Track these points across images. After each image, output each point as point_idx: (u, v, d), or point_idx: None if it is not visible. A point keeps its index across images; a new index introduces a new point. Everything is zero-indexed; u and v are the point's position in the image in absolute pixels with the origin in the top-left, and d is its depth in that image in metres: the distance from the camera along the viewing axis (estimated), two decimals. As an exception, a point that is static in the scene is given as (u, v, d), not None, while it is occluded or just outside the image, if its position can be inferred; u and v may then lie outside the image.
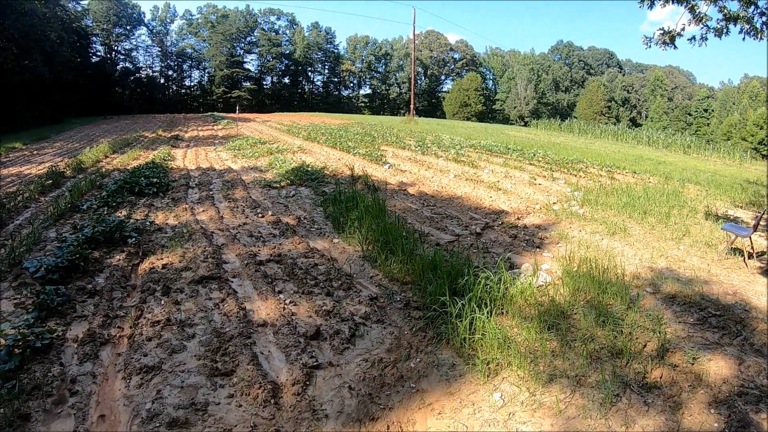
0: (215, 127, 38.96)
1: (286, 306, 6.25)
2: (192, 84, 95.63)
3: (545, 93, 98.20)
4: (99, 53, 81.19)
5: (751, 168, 31.70)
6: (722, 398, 4.71)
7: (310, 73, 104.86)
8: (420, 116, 74.26)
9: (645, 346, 5.57)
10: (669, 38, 11.42)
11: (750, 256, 8.47)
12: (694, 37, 11.70)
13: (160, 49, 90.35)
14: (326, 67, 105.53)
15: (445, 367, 5.13)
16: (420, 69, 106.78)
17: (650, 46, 11.85)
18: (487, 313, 5.84)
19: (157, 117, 55.38)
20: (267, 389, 4.49)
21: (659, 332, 5.73)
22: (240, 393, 4.48)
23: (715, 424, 4.38)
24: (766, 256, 8.85)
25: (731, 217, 11.60)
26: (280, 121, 43.17)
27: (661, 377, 5.03)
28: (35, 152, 24.80)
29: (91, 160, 20.01)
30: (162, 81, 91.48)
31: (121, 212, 10.65)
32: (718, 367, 5.21)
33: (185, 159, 21.23)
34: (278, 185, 14.43)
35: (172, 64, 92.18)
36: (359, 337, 5.65)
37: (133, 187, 12.81)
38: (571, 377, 5.04)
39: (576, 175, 16.71)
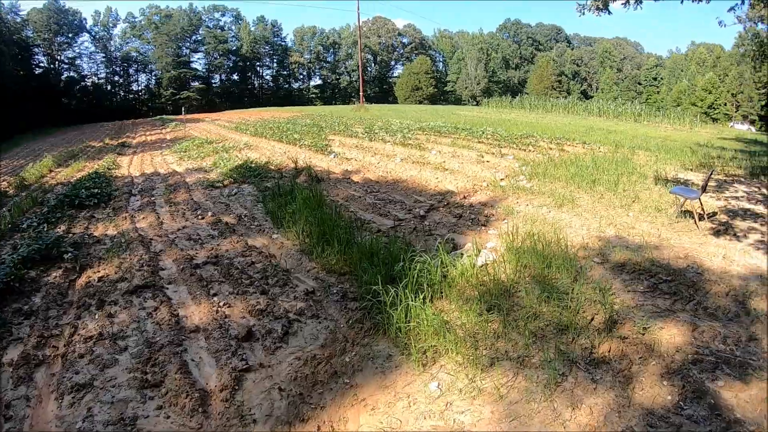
0: (163, 131, 38.05)
1: (219, 308, 6.08)
2: (139, 88, 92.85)
3: (496, 71, 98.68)
4: (42, 64, 78.66)
5: (701, 132, 32.31)
6: (676, 368, 4.49)
7: (258, 68, 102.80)
8: (372, 103, 73.91)
9: (592, 319, 5.31)
10: (602, 3, 11.18)
11: (701, 217, 8.35)
12: (627, 1, 11.48)
13: (104, 55, 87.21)
14: (275, 60, 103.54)
15: (381, 359, 4.94)
16: (369, 56, 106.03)
17: (584, 13, 11.58)
18: (423, 298, 5.55)
19: (106, 125, 53.79)
20: (195, 398, 4.35)
21: (607, 304, 5.48)
22: (168, 404, 4.32)
23: (669, 397, 4.15)
24: (717, 216, 8.75)
25: (681, 181, 11.55)
26: (230, 119, 42.32)
27: (609, 351, 4.77)
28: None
29: (35, 176, 19.37)
30: (108, 87, 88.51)
31: (60, 227, 10.28)
32: (670, 335, 4.98)
33: (131, 166, 20.73)
34: (221, 184, 14.15)
35: (117, 69, 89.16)
36: (293, 335, 5.47)
37: (74, 201, 12.43)
38: (514, 359, 4.76)
39: (525, 150, 16.55)
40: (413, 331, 5.14)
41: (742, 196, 10.24)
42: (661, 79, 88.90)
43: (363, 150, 18.38)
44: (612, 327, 5.14)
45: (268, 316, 5.82)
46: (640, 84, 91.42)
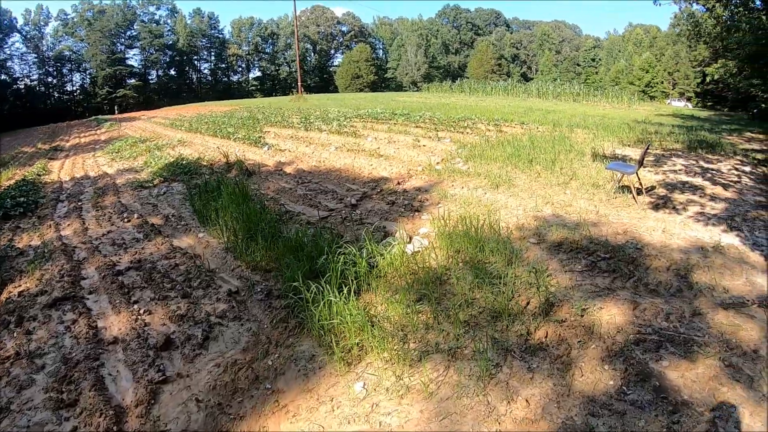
0: (98, 132, 36.47)
1: (139, 317, 5.82)
2: (74, 88, 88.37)
3: (436, 57, 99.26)
4: None
5: (639, 109, 33.08)
6: (617, 350, 4.25)
7: (196, 62, 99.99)
8: (312, 93, 73.51)
9: (528, 303, 5.03)
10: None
11: (639, 192, 8.24)
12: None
13: (36, 56, 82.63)
14: (212, 53, 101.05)
15: (304, 360, 4.68)
16: (308, 45, 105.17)
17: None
18: (348, 292, 5.20)
19: (40, 129, 51.26)
20: (109, 416, 4.16)
21: (542, 286, 5.20)
22: (83, 424, 4.10)
23: (611, 382, 3.90)
24: (656, 190, 8.66)
25: (619, 157, 11.51)
26: (166, 116, 41.04)
27: (546, 336, 4.49)
28: None
29: None
30: (42, 89, 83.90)
31: None
32: (610, 315, 4.74)
33: (61, 170, 19.73)
34: (151, 184, 13.66)
35: (50, 69, 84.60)
36: (213, 340, 5.22)
37: None
38: (445, 351, 4.44)
39: (462, 132, 16.36)
40: (337, 329, 4.81)
41: (680, 170, 10.25)
42: (600, 60, 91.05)
43: (298, 140, 17.89)
44: (549, 310, 4.87)
45: (188, 322, 5.57)
46: (578, 65, 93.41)
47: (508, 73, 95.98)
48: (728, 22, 20.55)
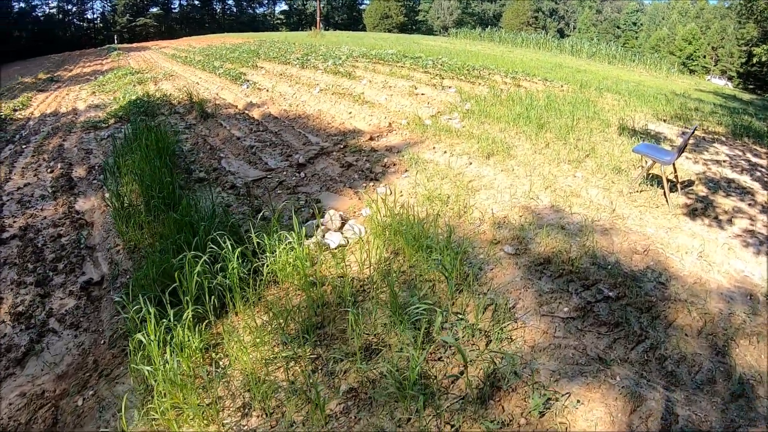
0: (104, 61, 35.39)
1: None
2: (94, 16, 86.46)
3: (470, 2, 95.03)
4: None
5: (678, 81, 30.08)
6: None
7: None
8: (339, 30, 71.00)
9: (461, 373, 3.04)
10: None
11: (673, 187, 6.05)
12: None
13: None
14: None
15: (112, 409, 3.37)
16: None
17: None
18: (196, 317, 3.55)
19: (51, 58, 50.47)
20: None
21: (492, 345, 3.19)
22: None
23: None
24: (694, 187, 6.48)
25: (652, 134, 9.18)
26: (177, 46, 40.09)
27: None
28: None
29: None
30: (61, 17, 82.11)
31: None
32: (589, 420, 2.80)
33: (41, 104, 18.91)
34: (105, 125, 12.68)
35: None
36: (35, 354, 4.18)
37: None
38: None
39: (473, 83, 14.02)
40: (157, 374, 3.13)
41: (724, 161, 7.89)
42: (641, 24, 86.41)
43: (285, 79, 16.06)
44: (489, 396, 2.90)
45: (23, 323, 4.60)
46: (618, 28, 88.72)
47: (544, 27, 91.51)
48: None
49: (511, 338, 3.36)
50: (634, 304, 3.70)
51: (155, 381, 3.10)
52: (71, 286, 5.16)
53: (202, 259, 3.85)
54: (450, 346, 3.24)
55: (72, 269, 5.48)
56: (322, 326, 3.65)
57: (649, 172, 6.26)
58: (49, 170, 9.03)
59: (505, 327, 3.44)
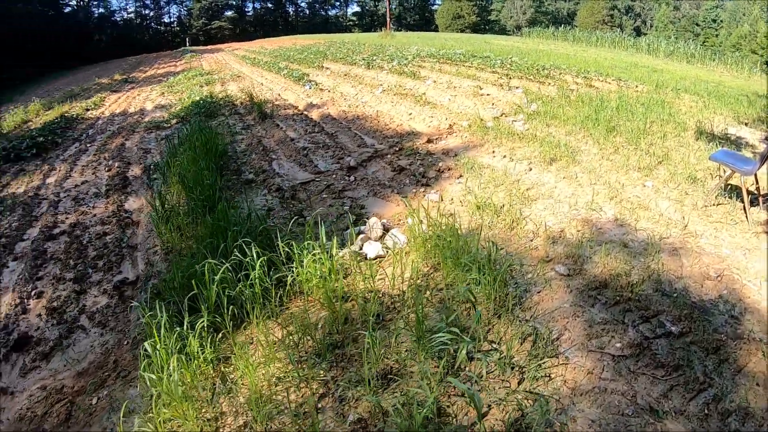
0: (177, 63, 36.60)
1: (25, 300, 5.08)
2: (171, 20, 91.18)
3: (543, 1, 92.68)
4: (71, 3, 77.28)
5: (761, 81, 28.05)
6: None
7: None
8: (411, 31, 70.85)
9: (484, 415, 2.62)
10: None
11: (754, 201, 5.34)
12: None
13: None
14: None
15: (120, 413, 3.10)
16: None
17: None
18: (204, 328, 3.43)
19: (128, 59, 52.72)
20: None
21: (525, 385, 2.76)
22: None
23: None
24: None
25: (732, 138, 8.33)
26: (249, 48, 40.94)
27: None
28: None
29: (16, 122, 18.14)
30: (138, 22, 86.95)
31: None
32: None
33: (112, 104, 19.35)
34: (167, 125, 12.82)
35: (147, 2, 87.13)
36: (61, 350, 4.23)
37: (9, 154, 11.64)
38: None
39: (542, 83, 13.31)
40: (161, 384, 3.03)
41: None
42: (721, 21, 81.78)
43: (348, 79, 15.91)
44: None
45: (55, 318, 4.68)
46: (698, 25, 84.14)
47: (620, 25, 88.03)
48: None
49: (549, 376, 2.90)
50: (699, 342, 3.14)
51: (156, 390, 3.01)
52: (106, 284, 5.20)
53: (224, 267, 3.67)
54: (475, 380, 2.83)
55: (110, 267, 5.52)
56: (342, 345, 3.34)
57: (728, 182, 5.56)
58: (107, 169, 9.22)
59: (543, 363, 2.98)
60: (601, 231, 4.69)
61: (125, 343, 4.13)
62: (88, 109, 18.19)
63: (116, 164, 9.30)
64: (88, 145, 11.84)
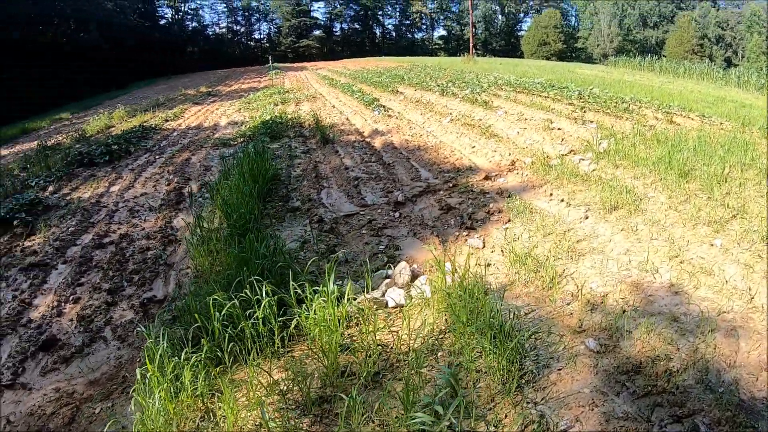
0: (262, 79, 37.94)
1: (63, 303, 5.45)
2: (261, 37, 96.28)
3: (631, 29, 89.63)
4: (167, 16, 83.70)
5: None
6: None
7: (380, 17, 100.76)
8: (497, 56, 70.75)
9: None
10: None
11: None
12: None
13: (225, 5, 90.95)
14: (397, 9, 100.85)
15: (115, 426, 3.47)
16: (496, 7, 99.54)
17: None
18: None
19: (217, 72, 55.69)
20: None
21: None
22: None
23: None
24: None
25: (825, 188, 7.43)
26: (332, 68, 41.86)
27: None
28: (74, 121, 24.36)
29: (100, 127, 19.24)
30: (230, 36, 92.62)
31: (50, 188, 10.24)
32: None
33: (191, 117, 20.12)
34: (233, 143, 13.11)
35: (239, 19, 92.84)
36: (82, 356, 4.54)
37: (83, 159, 12.35)
38: None
39: (619, 117, 12.51)
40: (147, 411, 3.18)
41: None
42: (820, 55, 76.26)
43: (419, 106, 15.77)
44: None
45: (83, 326, 5.00)
46: (794, 55, 79.19)
47: (710, 56, 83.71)
48: None
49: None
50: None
51: (140, 416, 3.09)
52: (136, 299, 5.43)
53: (230, 303, 3.67)
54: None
55: (143, 283, 5.75)
56: (331, 401, 3.11)
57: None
58: (167, 183, 9.54)
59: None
60: (651, 299, 4.15)
61: (138, 360, 4.25)
62: (167, 120, 18.79)
63: (176, 179, 9.58)
64: (157, 156, 12.23)
